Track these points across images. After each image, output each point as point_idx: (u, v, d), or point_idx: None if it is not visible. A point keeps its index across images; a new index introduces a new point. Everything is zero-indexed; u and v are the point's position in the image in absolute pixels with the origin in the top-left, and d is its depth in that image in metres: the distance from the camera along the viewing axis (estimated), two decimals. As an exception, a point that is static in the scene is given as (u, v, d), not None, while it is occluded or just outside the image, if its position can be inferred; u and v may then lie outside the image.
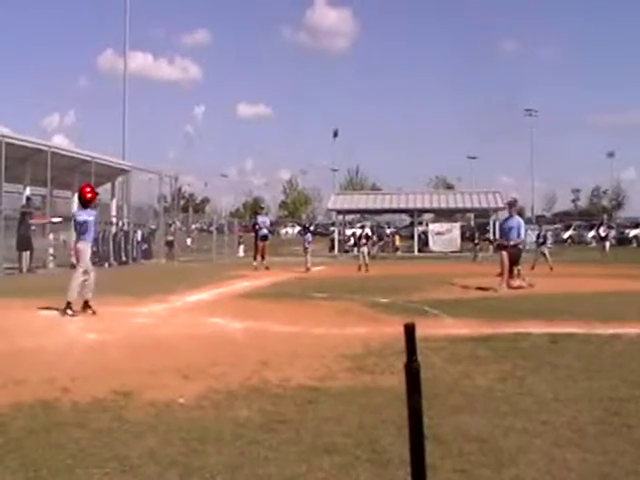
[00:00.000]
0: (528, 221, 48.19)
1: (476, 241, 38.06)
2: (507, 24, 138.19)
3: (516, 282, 16.73)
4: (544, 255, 27.71)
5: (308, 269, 26.09)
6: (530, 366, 7.20)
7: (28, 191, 27.61)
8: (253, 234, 29.94)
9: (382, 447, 4.56)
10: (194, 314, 11.99)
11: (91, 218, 11.92)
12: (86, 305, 11.49)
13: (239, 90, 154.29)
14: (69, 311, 11.22)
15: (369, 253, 28.11)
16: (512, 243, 16.68)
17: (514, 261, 16.80)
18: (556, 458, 4.33)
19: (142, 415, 5.42)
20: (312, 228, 35.16)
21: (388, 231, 55.94)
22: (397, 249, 44.92)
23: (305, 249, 27.74)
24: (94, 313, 11.35)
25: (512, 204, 18.48)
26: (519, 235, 16.82)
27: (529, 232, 25.45)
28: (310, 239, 28.47)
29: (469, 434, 4.82)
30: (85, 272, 11.63)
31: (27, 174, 27.48)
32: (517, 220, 17.20)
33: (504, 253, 16.51)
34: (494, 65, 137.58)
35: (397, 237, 48.26)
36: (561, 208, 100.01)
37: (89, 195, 12.09)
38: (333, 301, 14.13)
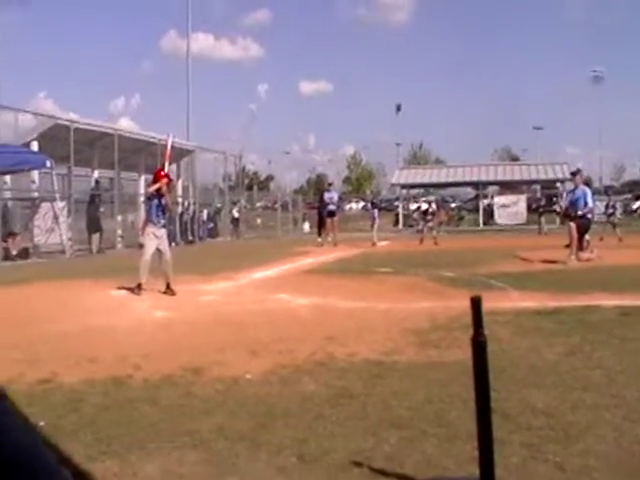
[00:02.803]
0: (596, 191, 47.24)
1: (540, 210, 37.32)
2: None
3: (585, 254, 16.41)
4: (613, 226, 27.16)
5: (374, 244, 26.10)
6: (599, 339, 7.08)
7: (96, 174, 28.14)
8: (317, 211, 29.95)
9: (449, 421, 4.56)
10: (260, 291, 12.09)
11: (154, 201, 11.95)
12: (168, 287, 11.60)
13: (300, 67, 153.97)
14: (136, 290, 11.41)
15: (438, 224, 28.00)
16: (580, 213, 16.32)
17: (583, 232, 16.46)
18: (626, 432, 4.27)
19: (210, 391, 5.52)
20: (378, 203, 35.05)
21: (453, 205, 55.41)
22: (441, 223, 44.03)
23: (372, 224, 27.73)
24: (173, 294, 11.45)
25: (575, 174, 18.03)
26: (586, 204, 16.39)
27: (597, 203, 24.90)
28: (377, 214, 28.43)
29: (537, 408, 4.78)
30: (157, 253, 11.71)
31: (95, 157, 27.99)
32: (583, 189, 16.75)
33: (572, 225, 16.17)
34: (559, 32, 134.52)
35: (442, 212, 47.57)
36: (630, 178, 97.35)
37: (166, 181, 12.06)
38: (398, 276, 14.10)
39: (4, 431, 0.64)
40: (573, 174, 18.14)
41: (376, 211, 28.77)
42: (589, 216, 16.67)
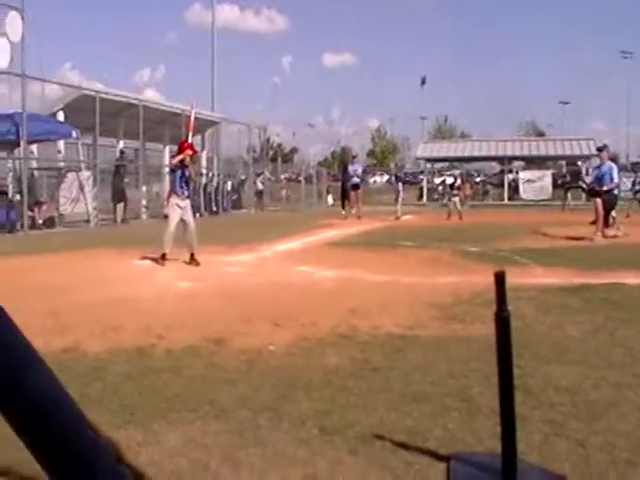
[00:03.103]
0: (623, 168, 46.66)
1: (566, 186, 36.94)
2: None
3: (611, 231, 16.27)
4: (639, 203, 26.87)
5: (398, 218, 26.05)
6: (623, 318, 7.03)
7: (121, 144, 28.21)
8: (340, 183, 29.89)
9: (471, 396, 4.56)
10: (284, 263, 12.12)
11: (177, 172, 12.01)
12: (192, 257, 11.66)
13: (325, 39, 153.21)
14: (160, 260, 11.47)
15: (461, 202, 27.75)
16: (605, 188, 16.15)
17: (609, 208, 16.31)
18: (649, 411, 4.25)
19: (234, 362, 5.55)
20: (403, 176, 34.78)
21: (477, 179, 55.10)
22: (466, 197, 43.14)
23: (396, 198, 27.64)
24: (197, 264, 11.51)
25: (601, 149, 17.82)
26: (612, 180, 16.24)
27: (624, 180, 24.60)
28: (401, 188, 28.31)
29: (560, 385, 4.77)
30: (181, 223, 11.75)
31: (120, 128, 28.04)
32: (609, 165, 16.63)
33: (598, 201, 16.00)
34: (587, 6, 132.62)
35: (467, 185, 46.93)
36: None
37: (190, 152, 12.15)
38: (422, 250, 14.07)
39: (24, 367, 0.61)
40: (599, 150, 17.94)
41: (400, 185, 28.63)
42: (615, 192, 16.53)
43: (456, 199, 27.51)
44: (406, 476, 3.44)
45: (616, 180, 16.39)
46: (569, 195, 35.71)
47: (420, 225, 23.80)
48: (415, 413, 4.28)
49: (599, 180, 16.69)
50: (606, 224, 16.20)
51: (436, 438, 3.89)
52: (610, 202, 16.21)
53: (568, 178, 38.59)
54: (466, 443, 3.83)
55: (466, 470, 3.50)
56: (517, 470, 3.28)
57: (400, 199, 27.44)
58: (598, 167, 17.66)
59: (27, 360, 0.61)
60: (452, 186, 28.91)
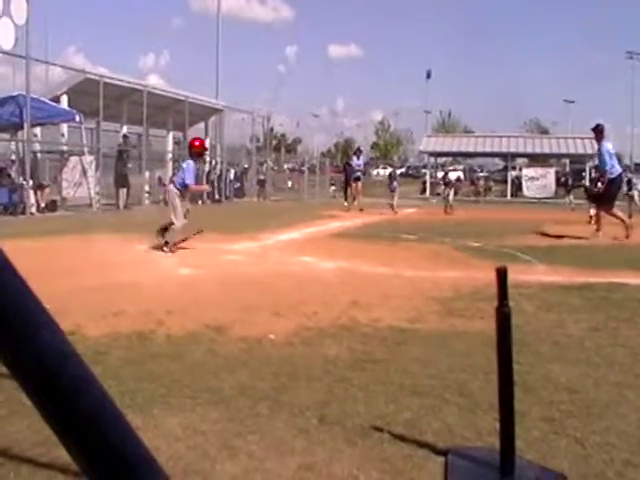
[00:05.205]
0: (627, 168, 46.51)
1: (568, 187, 36.87)
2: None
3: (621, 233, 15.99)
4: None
5: (396, 212, 25.95)
6: (624, 317, 7.02)
7: (125, 129, 28.18)
8: (343, 175, 30.05)
9: (470, 391, 4.57)
10: (285, 252, 12.12)
11: (184, 165, 12.36)
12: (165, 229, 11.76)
13: (330, 30, 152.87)
14: (165, 248, 11.46)
15: (456, 193, 27.79)
16: (602, 183, 15.11)
17: (612, 197, 15.22)
18: (649, 411, 4.25)
19: (234, 349, 5.55)
20: (399, 172, 34.66)
21: (480, 174, 55.09)
22: (479, 193, 43.02)
23: (391, 192, 27.54)
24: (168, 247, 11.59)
25: (595, 129, 15.72)
26: (606, 163, 14.98)
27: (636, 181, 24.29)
28: (396, 185, 27.99)
29: (559, 383, 4.77)
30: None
31: (124, 113, 28.02)
32: (604, 147, 15.21)
33: (602, 213, 15.32)
34: (595, 5, 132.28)
35: (479, 182, 47.18)
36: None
37: (196, 147, 12.62)
38: (424, 244, 14.06)
39: None
40: (594, 130, 15.81)
41: (395, 183, 28.35)
42: (612, 176, 15.11)
43: (448, 191, 27.56)
44: (404, 469, 3.44)
45: (609, 162, 15.05)
46: (572, 197, 35.59)
47: (422, 219, 23.76)
48: (414, 406, 4.28)
49: (599, 167, 15.95)
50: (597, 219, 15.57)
51: (434, 432, 3.89)
52: (612, 192, 15.21)
53: (570, 181, 38.49)
54: (464, 438, 3.83)
55: (464, 464, 3.51)
56: (515, 466, 3.29)
57: (396, 195, 27.08)
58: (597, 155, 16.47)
59: (40, 316, 0.57)
60: (444, 179, 29.15)
